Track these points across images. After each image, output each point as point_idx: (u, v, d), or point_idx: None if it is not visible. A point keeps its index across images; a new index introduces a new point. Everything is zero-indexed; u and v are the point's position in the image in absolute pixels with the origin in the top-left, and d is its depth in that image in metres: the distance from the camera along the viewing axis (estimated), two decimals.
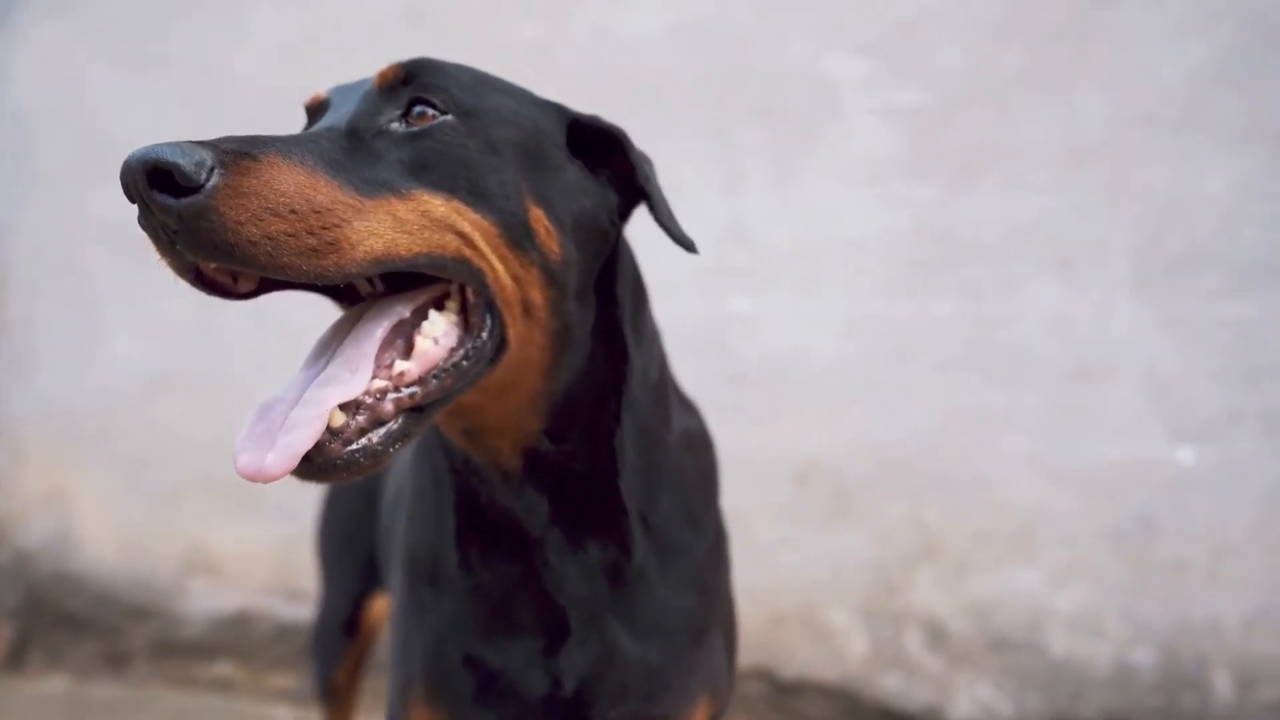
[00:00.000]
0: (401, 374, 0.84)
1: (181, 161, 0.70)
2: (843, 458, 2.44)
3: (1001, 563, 2.33)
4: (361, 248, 0.78)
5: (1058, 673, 2.29)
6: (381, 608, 1.77)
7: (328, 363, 0.84)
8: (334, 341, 0.87)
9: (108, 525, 3.14)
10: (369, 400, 0.82)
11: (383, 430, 0.82)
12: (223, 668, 3.03)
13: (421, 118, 0.88)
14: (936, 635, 2.38)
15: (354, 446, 0.80)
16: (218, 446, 3.12)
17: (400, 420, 0.83)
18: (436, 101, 0.89)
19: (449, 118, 0.88)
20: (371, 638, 1.82)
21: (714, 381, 2.40)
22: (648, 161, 1.02)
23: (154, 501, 3.08)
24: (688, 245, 1.01)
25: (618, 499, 1.02)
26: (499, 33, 2.73)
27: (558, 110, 1.00)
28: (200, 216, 0.71)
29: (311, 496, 2.97)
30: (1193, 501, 2.19)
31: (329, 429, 0.78)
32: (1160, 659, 2.22)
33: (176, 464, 3.06)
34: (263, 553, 3.01)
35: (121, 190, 0.74)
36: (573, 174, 0.98)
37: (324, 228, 0.76)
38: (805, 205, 2.47)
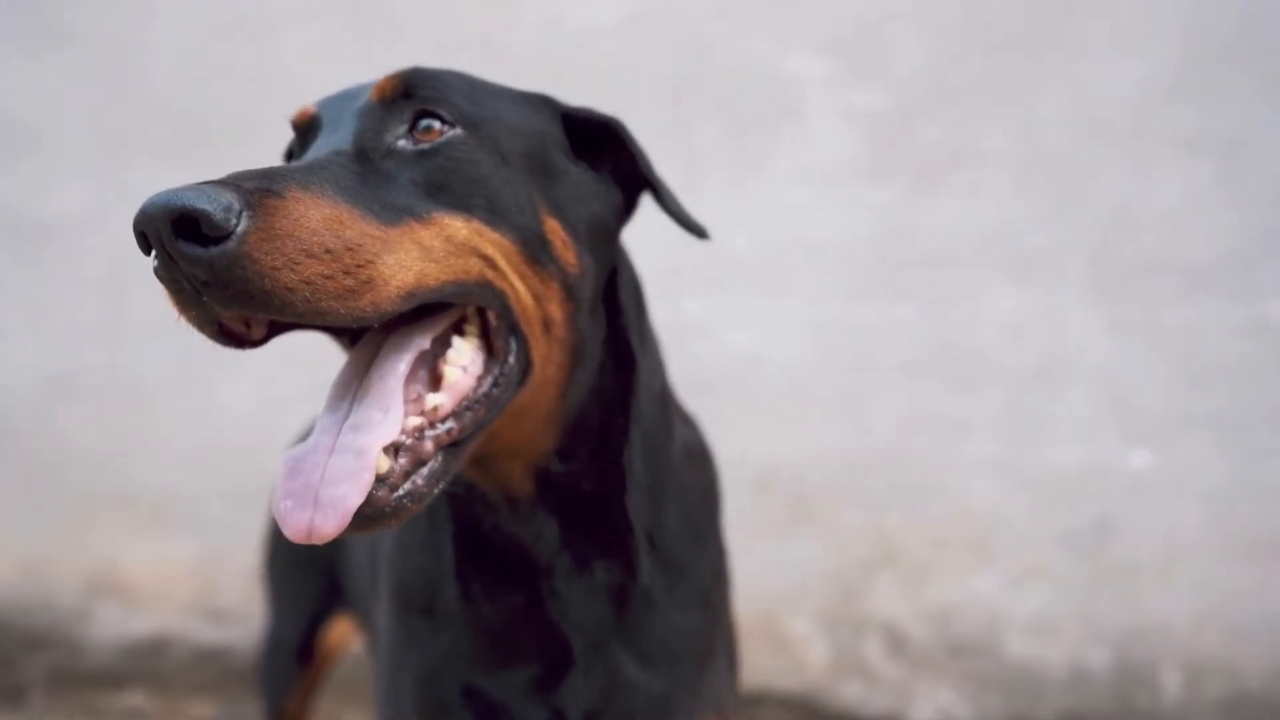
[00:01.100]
0: (435, 408, 0.82)
1: (209, 208, 0.66)
2: (802, 465, 2.47)
3: (961, 568, 2.40)
4: (394, 283, 0.74)
5: (1015, 676, 2.36)
6: (341, 632, 1.71)
7: (352, 404, 0.80)
8: (353, 380, 0.82)
9: (2, 544, 2.94)
10: (408, 441, 0.79)
11: (425, 470, 0.80)
12: (133, 698, 2.87)
13: (428, 133, 0.85)
14: (896, 642, 2.43)
15: (400, 491, 0.77)
16: (128, 456, 2.97)
17: (440, 458, 0.81)
18: (443, 114, 0.85)
19: (458, 131, 0.85)
20: (327, 664, 1.75)
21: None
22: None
23: (55, 517, 2.91)
24: (699, 232, 1.00)
25: (624, 518, 1.00)
26: (443, 20, 2.67)
27: (551, 106, 0.97)
28: (233, 265, 0.67)
29: (235, 510, 2.86)
30: (1145, 504, 2.29)
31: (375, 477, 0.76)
32: (1114, 660, 2.31)
33: (81, 476, 2.89)
34: (181, 571, 2.88)
35: (136, 240, 0.68)
36: (578, 176, 0.96)
37: (358, 266, 0.72)
38: (765, 206, 2.48)
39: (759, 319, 2.51)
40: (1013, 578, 2.37)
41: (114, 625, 2.88)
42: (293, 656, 1.71)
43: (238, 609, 2.86)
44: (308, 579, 1.69)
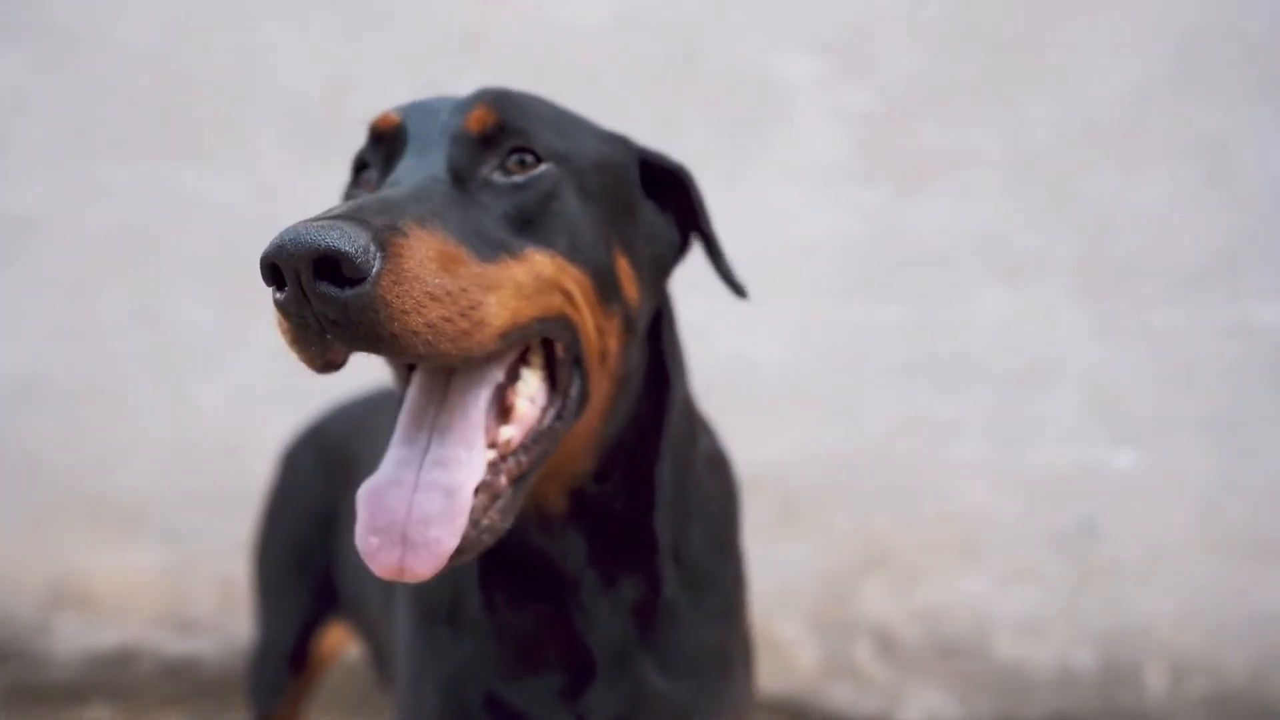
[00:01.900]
0: (507, 441, 0.84)
1: (351, 250, 0.67)
2: (791, 467, 2.50)
3: (950, 569, 2.44)
4: (496, 323, 0.77)
5: (1003, 676, 2.41)
6: (335, 639, 1.70)
7: (431, 436, 0.82)
8: (428, 410, 0.84)
9: None
10: (487, 477, 0.81)
11: (499, 504, 0.82)
12: (98, 712, 2.82)
13: (521, 166, 0.87)
14: (886, 644, 2.47)
15: (481, 526, 0.80)
16: (95, 460, 2.92)
17: (510, 491, 0.83)
18: (536, 149, 0.88)
19: (549, 166, 0.88)
20: (320, 670, 1.74)
21: None
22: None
23: (17, 526, 2.84)
24: (740, 291, 1.06)
25: (651, 535, 1.03)
26: (426, 13, 2.67)
27: (628, 146, 1.01)
28: (366, 309, 0.68)
29: (207, 516, 2.82)
30: (1131, 505, 2.35)
31: None
32: (1099, 659, 2.38)
33: (45, 483, 2.84)
34: (148, 581, 2.83)
35: (265, 274, 0.70)
36: (648, 215, 1.00)
37: (471, 307, 0.74)
38: (754, 207, 2.51)
39: (748, 320, 2.53)
40: (1001, 579, 2.42)
41: (77, 637, 2.83)
42: (284, 663, 1.70)
43: (209, 619, 2.82)
44: (301, 584, 1.69)
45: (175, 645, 2.82)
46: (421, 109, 0.92)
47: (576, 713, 1.02)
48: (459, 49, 2.67)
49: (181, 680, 2.78)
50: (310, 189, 2.75)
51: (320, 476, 1.67)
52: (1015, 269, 2.39)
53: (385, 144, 0.92)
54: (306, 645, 1.69)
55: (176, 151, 2.84)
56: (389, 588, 1.22)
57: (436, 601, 1.06)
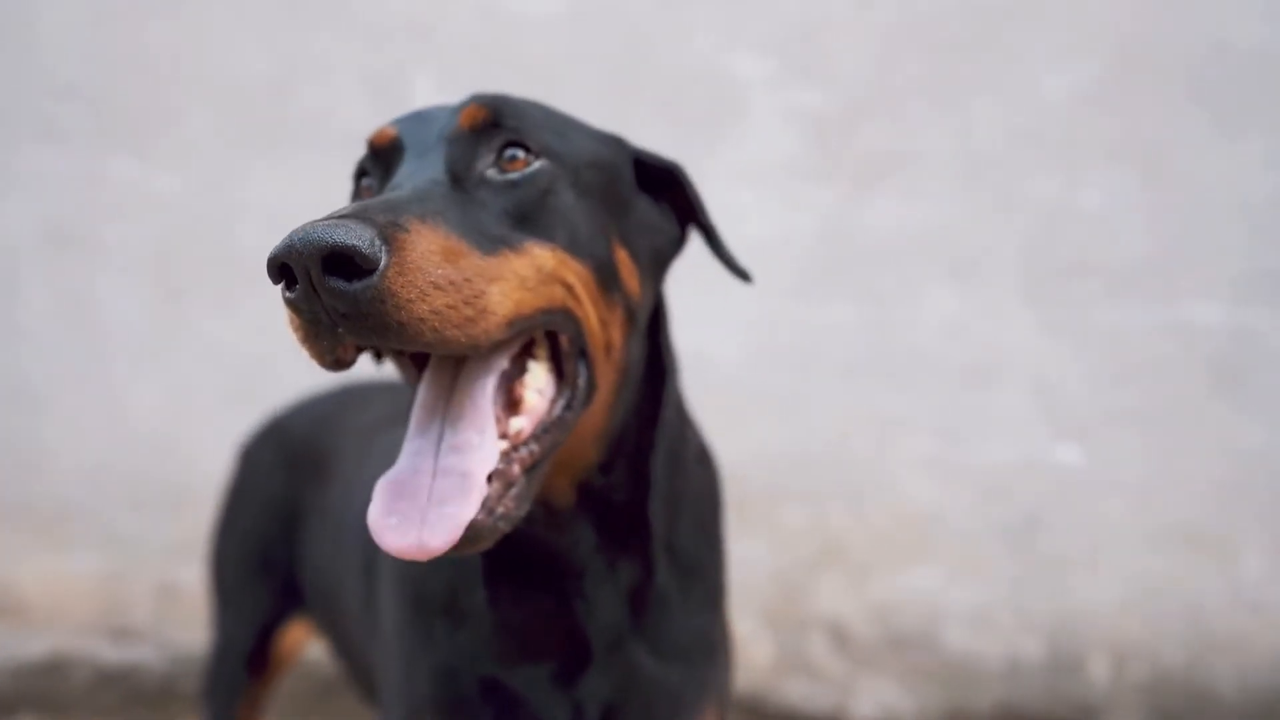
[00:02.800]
0: (518, 432, 0.88)
1: (359, 244, 0.71)
2: (745, 464, 2.55)
3: (901, 564, 2.54)
4: (501, 312, 0.81)
5: (953, 668, 2.52)
6: (296, 637, 1.71)
7: (443, 426, 0.86)
8: (438, 403, 0.89)
9: None
10: (500, 465, 0.85)
11: (514, 491, 0.86)
12: None
13: (514, 162, 0.91)
14: (839, 638, 2.56)
15: (496, 514, 0.84)
16: (23, 464, 2.84)
17: (524, 480, 0.87)
18: (529, 145, 0.92)
19: (543, 162, 0.92)
20: (280, 671, 1.75)
21: None
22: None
23: None
24: (745, 276, 1.13)
25: (646, 523, 1.07)
26: (377, 4, 2.67)
27: (621, 145, 1.06)
28: (376, 299, 0.72)
29: (142, 521, 2.77)
30: (1074, 498, 2.48)
31: None
32: (1045, 650, 2.49)
33: None
34: (81, 588, 2.78)
35: (274, 271, 0.74)
36: (644, 209, 1.06)
37: (475, 295, 0.78)
38: (706, 204, 2.57)
39: (701, 318, 2.59)
40: (951, 572, 2.52)
41: (5, 647, 2.76)
42: (242, 664, 1.70)
43: (146, 625, 2.78)
44: (261, 582, 1.69)
45: (110, 654, 2.77)
46: (417, 118, 0.97)
47: (572, 697, 1.07)
48: (408, 41, 2.67)
49: (117, 690, 2.73)
50: (251, 183, 2.77)
51: (282, 472, 1.68)
52: (963, 268, 2.50)
53: (383, 156, 0.96)
54: (266, 645, 1.69)
55: (107, 141, 2.79)
56: (371, 584, 1.25)
57: (431, 593, 1.09)
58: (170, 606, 2.78)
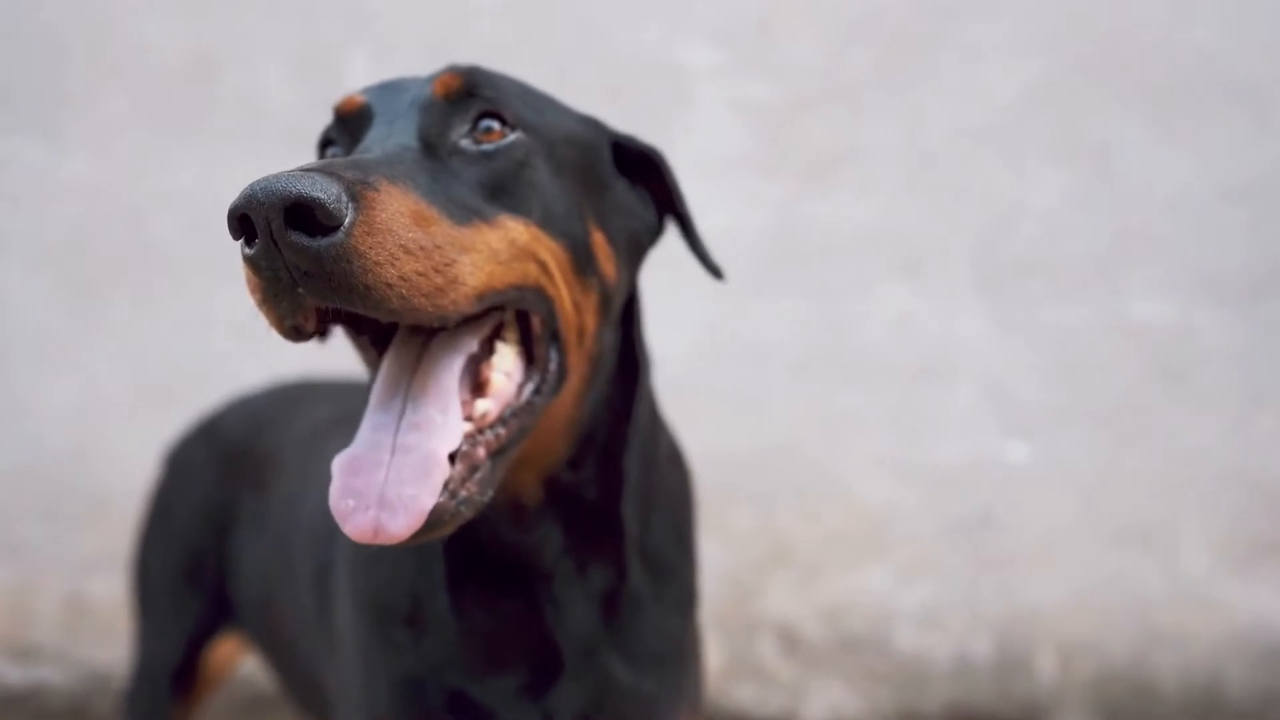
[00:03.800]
0: (484, 415, 0.85)
1: (324, 197, 0.68)
2: (693, 464, 2.54)
3: (851, 564, 2.54)
4: (471, 283, 0.78)
5: (903, 669, 2.53)
6: (227, 651, 1.63)
7: (405, 401, 0.83)
8: (402, 379, 0.85)
9: None
10: (464, 447, 0.82)
11: (478, 475, 0.83)
12: None
13: (489, 134, 0.89)
14: (789, 641, 2.55)
15: (459, 497, 0.81)
16: None
17: (489, 464, 0.84)
18: (505, 116, 0.90)
19: (519, 135, 0.90)
20: (209, 688, 1.66)
21: None
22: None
23: None
24: (718, 273, 1.10)
25: (619, 523, 1.05)
26: None
27: (599, 127, 1.04)
28: (339, 258, 0.69)
29: (52, 531, 2.63)
30: (1023, 496, 2.51)
31: None
32: (994, 648, 2.52)
33: None
34: None
35: (234, 225, 0.71)
36: (621, 192, 1.03)
37: (445, 264, 0.75)
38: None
39: (650, 315, 2.57)
40: (901, 572, 2.53)
41: None
42: (167, 682, 1.62)
43: (53, 643, 2.65)
44: (190, 594, 1.61)
45: (14, 674, 2.62)
46: (387, 88, 0.94)
47: (542, 709, 1.03)
48: (344, 25, 2.59)
49: (22, 712, 2.59)
50: (171, 169, 2.65)
51: (214, 477, 1.60)
52: (914, 264, 2.52)
53: (350, 124, 0.92)
54: (195, 661, 1.61)
55: (10, 123, 2.65)
56: (323, 595, 1.20)
57: (392, 603, 1.05)
58: (80, 622, 2.65)
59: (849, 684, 2.53)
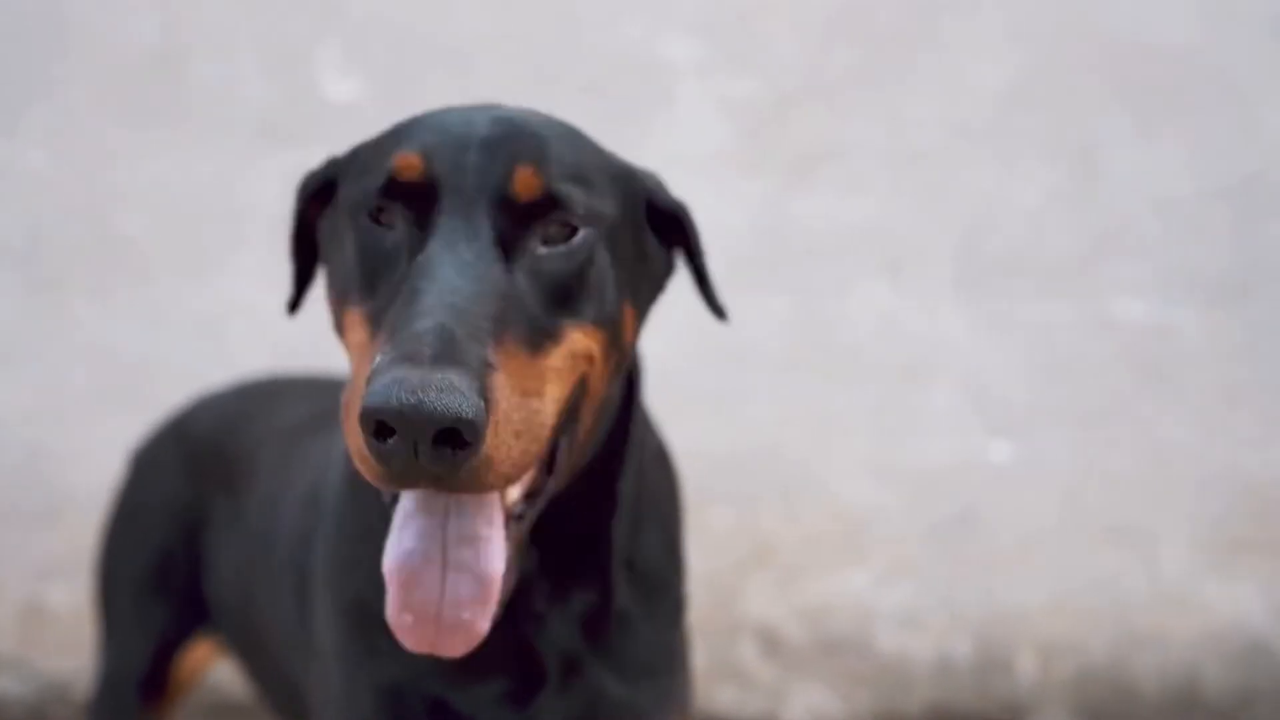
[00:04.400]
0: (512, 504, 0.87)
1: (475, 420, 0.69)
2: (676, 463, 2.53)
3: (832, 565, 2.53)
4: (550, 424, 0.80)
5: (885, 670, 2.53)
6: (200, 657, 1.59)
7: (448, 503, 0.83)
8: None
9: None
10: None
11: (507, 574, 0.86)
12: None
13: (560, 232, 0.87)
14: (770, 643, 2.54)
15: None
16: None
17: (513, 556, 0.87)
18: (575, 220, 0.87)
19: (588, 231, 0.88)
20: (179, 695, 1.62)
21: None
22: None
23: None
24: (722, 314, 1.12)
25: (607, 544, 1.05)
26: None
27: (638, 181, 1.01)
28: (475, 468, 0.72)
29: (4, 536, 2.57)
30: (1004, 495, 2.52)
31: None
32: (975, 648, 2.53)
33: None
34: None
35: (369, 425, 0.70)
36: (652, 256, 1.02)
37: (540, 425, 0.78)
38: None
39: None
40: (882, 573, 2.53)
41: None
42: (135, 691, 1.58)
43: (9, 653, 2.59)
44: (158, 598, 1.58)
45: None
46: (446, 144, 0.87)
47: (526, 718, 1.03)
48: (316, 15, 2.55)
49: None
50: (134, 163, 2.59)
51: (184, 477, 1.57)
52: (896, 263, 2.52)
53: (413, 194, 0.86)
54: (165, 668, 1.58)
55: None
56: (304, 602, 1.18)
57: (373, 608, 1.02)
58: (37, 630, 2.58)
59: (830, 685, 2.52)
